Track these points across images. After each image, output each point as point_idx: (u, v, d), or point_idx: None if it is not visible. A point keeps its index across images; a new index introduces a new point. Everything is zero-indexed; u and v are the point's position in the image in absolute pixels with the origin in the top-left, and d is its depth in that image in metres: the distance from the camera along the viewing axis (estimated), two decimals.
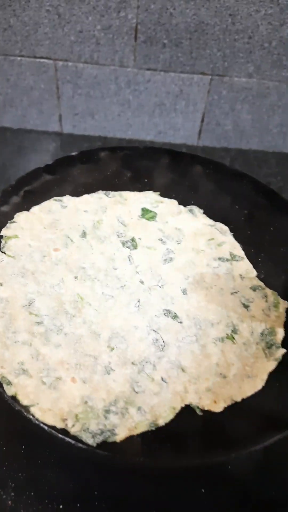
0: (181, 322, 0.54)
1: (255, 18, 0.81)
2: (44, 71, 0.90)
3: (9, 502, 0.46)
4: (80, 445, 0.42)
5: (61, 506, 0.46)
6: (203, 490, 0.47)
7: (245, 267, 0.61)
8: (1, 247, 0.58)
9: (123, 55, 0.87)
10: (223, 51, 0.86)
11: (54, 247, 0.59)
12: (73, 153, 0.70)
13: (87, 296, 0.55)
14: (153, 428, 0.45)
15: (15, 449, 0.48)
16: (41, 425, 0.42)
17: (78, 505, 0.46)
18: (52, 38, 0.85)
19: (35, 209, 0.62)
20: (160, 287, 0.58)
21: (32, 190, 0.64)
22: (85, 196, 0.66)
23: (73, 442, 0.42)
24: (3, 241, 0.59)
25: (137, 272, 0.59)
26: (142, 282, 0.58)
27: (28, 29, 0.84)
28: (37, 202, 0.64)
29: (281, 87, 0.90)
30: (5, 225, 0.60)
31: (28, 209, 0.63)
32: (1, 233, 0.59)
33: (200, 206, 0.69)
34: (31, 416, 0.43)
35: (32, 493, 0.47)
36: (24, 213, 0.61)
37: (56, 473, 0.47)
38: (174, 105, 0.94)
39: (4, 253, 0.57)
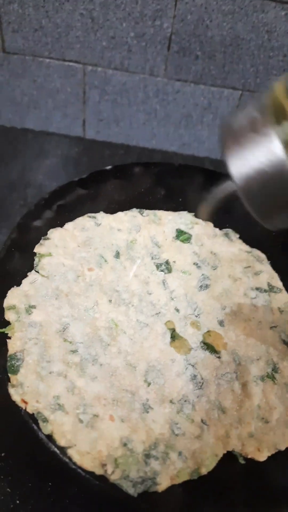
0: (219, 357, 0.52)
1: None
2: (72, 74, 0.87)
3: None
4: (119, 494, 0.39)
5: None
6: None
7: (284, 299, 0.58)
8: (35, 265, 0.55)
9: (154, 64, 0.85)
10: (257, 67, 0.84)
11: (88, 266, 0.56)
12: (107, 168, 0.67)
13: (122, 323, 0.52)
14: (195, 477, 0.42)
15: (42, 485, 0.45)
16: (78, 470, 0.39)
17: None
18: (83, 42, 0.83)
19: (69, 225, 0.59)
20: (196, 316, 0.55)
21: (65, 204, 0.61)
22: (119, 213, 0.63)
23: (111, 491, 0.39)
24: (36, 259, 0.56)
25: (172, 299, 0.57)
26: (177, 310, 0.56)
27: (59, 31, 0.81)
28: (70, 218, 0.61)
29: None
30: (38, 240, 0.57)
31: (61, 225, 0.60)
32: (35, 250, 0.56)
33: (235, 230, 0.66)
34: (67, 459, 0.40)
35: None
36: (58, 229, 0.58)
37: None
38: (201, 117, 0.92)
39: (38, 272, 0.54)
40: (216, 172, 0.72)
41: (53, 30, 0.80)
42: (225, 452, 0.45)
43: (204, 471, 0.42)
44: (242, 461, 0.44)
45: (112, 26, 0.80)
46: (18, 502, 0.43)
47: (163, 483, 0.41)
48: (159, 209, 0.67)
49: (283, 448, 0.45)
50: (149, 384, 0.48)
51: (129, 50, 0.83)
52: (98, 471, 0.40)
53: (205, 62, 0.84)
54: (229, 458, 0.44)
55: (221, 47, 0.82)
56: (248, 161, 0.38)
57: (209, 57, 0.83)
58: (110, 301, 0.54)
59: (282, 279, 0.61)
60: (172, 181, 0.69)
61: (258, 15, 0.76)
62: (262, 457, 0.44)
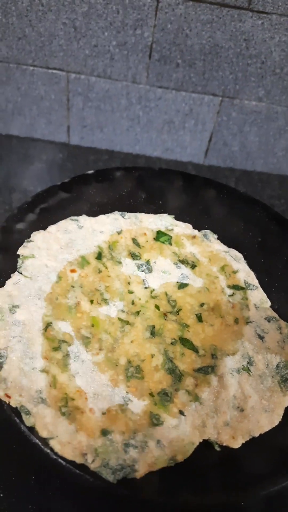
0: (197, 351, 0.54)
1: (269, 44, 0.82)
2: (56, 82, 0.89)
3: None
4: (99, 482, 0.41)
5: None
6: None
7: (260, 296, 0.61)
8: (18, 266, 0.57)
9: (136, 71, 0.87)
10: (235, 74, 0.87)
11: (70, 268, 0.58)
12: (89, 172, 0.69)
13: (103, 321, 0.54)
14: (172, 464, 0.44)
15: (25, 478, 0.47)
16: (59, 460, 0.41)
17: None
18: (66, 51, 0.84)
19: (52, 228, 0.61)
20: (176, 313, 0.58)
21: (48, 207, 0.63)
22: (101, 216, 0.65)
23: (91, 479, 0.40)
24: (19, 261, 0.57)
25: (153, 297, 0.59)
26: (157, 307, 0.58)
27: (43, 39, 0.83)
28: (52, 220, 0.63)
29: None
30: (21, 243, 0.59)
31: (44, 227, 0.61)
32: (18, 252, 0.58)
33: (213, 231, 0.69)
34: (48, 450, 0.41)
35: None
36: (41, 232, 0.60)
37: (68, 506, 0.46)
38: (183, 123, 0.94)
39: (21, 273, 0.56)
40: (194, 176, 0.75)
41: (36, 39, 0.82)
42: (201, 440, 0.47)
43: (181, 458, 0.45)
44: (217, 448, 0.46)
45: (94, 35, 0.82)
46: (1, 495, 0.44)
47: (141, 470, 0.43)
48: (140, 211, 0.69)
49: (256, 434, 0.47)
50: (129, 378, 0.50)
51: (111, 58, 0.84)
52: (79, 460, 0.42)
53: (185, 70, 0.86)
54: (205, 445, 0.47)
55: (201, 55, 0.84)
56: None
57: (189, 65, 0.85)
58: (91, 301, 0.56)
59: (258, 277, 0.64)
60: (153, 185, 0.71)
61: (236, 24, 0.79)
62: (236, 444, 0.46)
